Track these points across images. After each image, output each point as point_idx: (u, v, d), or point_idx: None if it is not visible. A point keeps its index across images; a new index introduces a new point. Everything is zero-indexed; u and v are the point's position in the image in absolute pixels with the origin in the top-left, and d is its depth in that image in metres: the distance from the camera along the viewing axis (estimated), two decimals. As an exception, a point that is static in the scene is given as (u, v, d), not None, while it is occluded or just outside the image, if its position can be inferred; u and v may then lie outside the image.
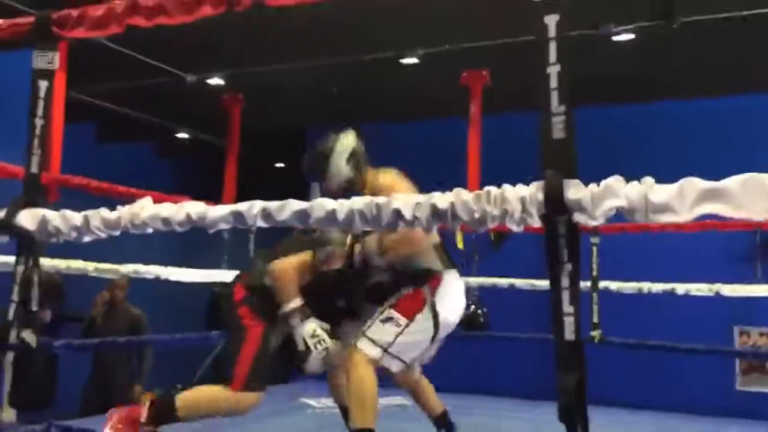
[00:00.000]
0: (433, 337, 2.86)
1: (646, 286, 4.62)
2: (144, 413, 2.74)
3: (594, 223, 1.40)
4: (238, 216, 1.63)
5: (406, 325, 2.78)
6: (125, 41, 5.62)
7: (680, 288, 4.53)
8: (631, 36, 5.27)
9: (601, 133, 6.36)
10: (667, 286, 4.57)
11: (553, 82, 1.46)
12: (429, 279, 2.84)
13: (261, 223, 1.63)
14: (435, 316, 2.81)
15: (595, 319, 4.62)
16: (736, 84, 6.13)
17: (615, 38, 5.34)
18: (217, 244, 5.61)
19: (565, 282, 1.42)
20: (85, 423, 4.29)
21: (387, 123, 7.68)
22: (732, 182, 1.29)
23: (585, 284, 4.64)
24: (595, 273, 4.67)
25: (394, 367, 2.81)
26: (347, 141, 3.08)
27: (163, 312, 6.92)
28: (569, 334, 1.40)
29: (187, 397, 2.81)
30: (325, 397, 4.85)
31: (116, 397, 5.12)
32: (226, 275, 4.98)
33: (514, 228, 1.47)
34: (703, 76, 6.10)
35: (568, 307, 1.41)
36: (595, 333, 4.61)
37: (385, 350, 2.75)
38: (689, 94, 6.36)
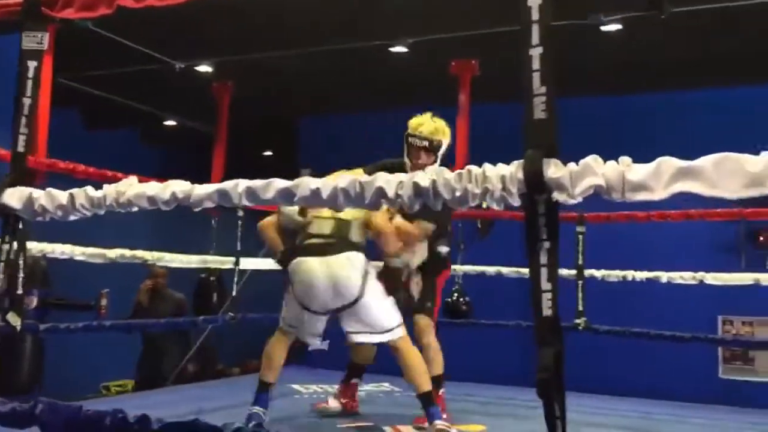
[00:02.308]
0: (305, 307, 3.26)
1: (630, 274, 4.67)
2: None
3: (572, 202, 1.43)
4: (223, 194, 1.64)
5: (284, 299, 3.41)
6: (114, 27, 5.60)
7: (664, 276, 4.57)
8: (619, 26, 5.29)
9: (590, 124, 6.39)
10: (651, 274, 4.62)
11: (536, 64, 1.49)
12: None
13: (246, 202, 1.65)
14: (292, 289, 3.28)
15: (580, 307, 4.67)
16: (725, 76, 6.16)
17: (603, 28, 5.36)
18: (206, 230, 5.62)
19: (543, 259, 1.45)
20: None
21: (376, 112, 7.69)
22: (706, 161, 1.31)
23: (570, 272, 4.69)
24: (580, 261, 4.71)
25: (292, 336, 3.45)
26: None
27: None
28: (547, 310, 1.43)
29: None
30: (311, 384, 4.91)
31: (168, 374, 6.02)
32: (214, 261, 5.00)
33: (495, 206, 1.49)
34: (693, 68, 6.13)
35: (546, 284, 1.44)
36: (580, 320, 4.65)
37: (284, 322, 3.43)
38: (679, 86, 6.39)
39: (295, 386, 4.77)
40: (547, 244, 1.45)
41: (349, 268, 3.17)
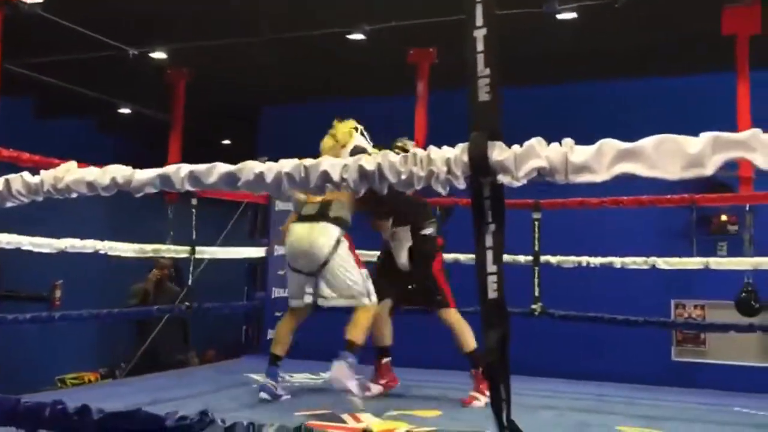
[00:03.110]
0: (292, 267, 3.86)
1: (585, 259, 4.73)
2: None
3: (517, 184, 1.43)
4: (165, 179, 1.61)
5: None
6: (65, 13, 5.46)
7: (618, 261, 4.65)
8: (574, 15, 5.34)
9: (547, 112, 6.44)
10: (606, 260, 4.69)
11: (480, 45, 1.47)
12: None
13: (189, 187, 1.61)
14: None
15: (537, 293, 4.71)
16: (679, 64, 6.25)
17: (559, 16, 5.40)
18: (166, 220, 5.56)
19: (489, 242, 1.45)
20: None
21: (336, 100, 7.64)
22: (647, 143, 1.32)
23: (527, 258, 4.73)
24: (536, 248, 4.76)
25: (300, 314, 3.95)
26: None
27: (108, 287, 6.86)
28: (492, 292, 1.43)
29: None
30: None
31: (164, 360, 5.97)
32: (169, 250, 4.93)
33: (440, 190, 1.48)
34: (647, 56, 6.21)
35: (491, 267, 1.44)
36: (537, 306, 4.70)
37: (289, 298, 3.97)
38: (633, 74, 6.47)
39: (253, 375, 4.73)
40: (492, 227, 1.45)
41: (323, 235, 3.76)
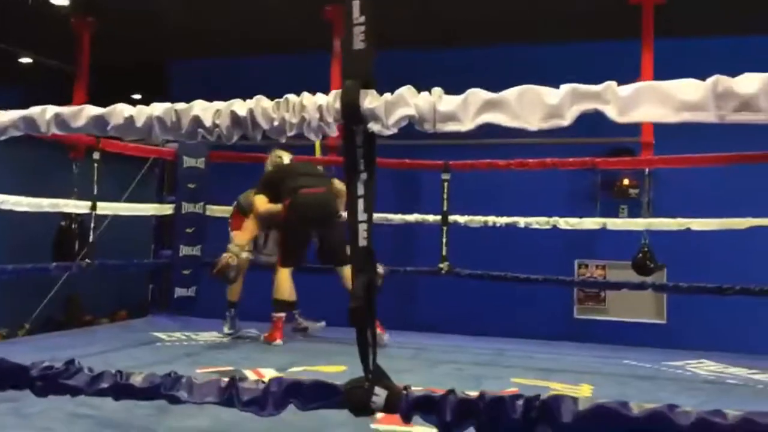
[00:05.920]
0: None
1: (492, 219, 4.83)
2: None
3: (387, 132, 1.43)
4: (29, 122, 1.54)
5: None
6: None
7: (522, 221, 4.77)
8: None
9: (454, 76, 6.44)
10: (510, 220, 4.80)
11: (355, -8, 1.46)
12: None
13: (55, 130, 1.55)
14: None
15: (444, 252, 4.80)
16: (583, 30, 6.36)
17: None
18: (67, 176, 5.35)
19: (360, 190, 1.46)
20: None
21: (251, 56, 7.47)
22: (510, 93, 1.35)
23: (435, 218, 4.80)
24: (445, 208, 4.83)
25: None
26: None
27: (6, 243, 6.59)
28: (362, 240, 1.44)
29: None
30: (175, 331, 4.82)
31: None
32: (69, 206, 4.76)
33: (312, 137, 1.48)
34: (555, 22, 6.29)
35: (362, 215, 1.45)
36: (444, 265, 4.79)
37: None
38: (539, 40, 6.53)
39: (158, 334, 4.66)
40: (364, 176, 1.46)
41: None
